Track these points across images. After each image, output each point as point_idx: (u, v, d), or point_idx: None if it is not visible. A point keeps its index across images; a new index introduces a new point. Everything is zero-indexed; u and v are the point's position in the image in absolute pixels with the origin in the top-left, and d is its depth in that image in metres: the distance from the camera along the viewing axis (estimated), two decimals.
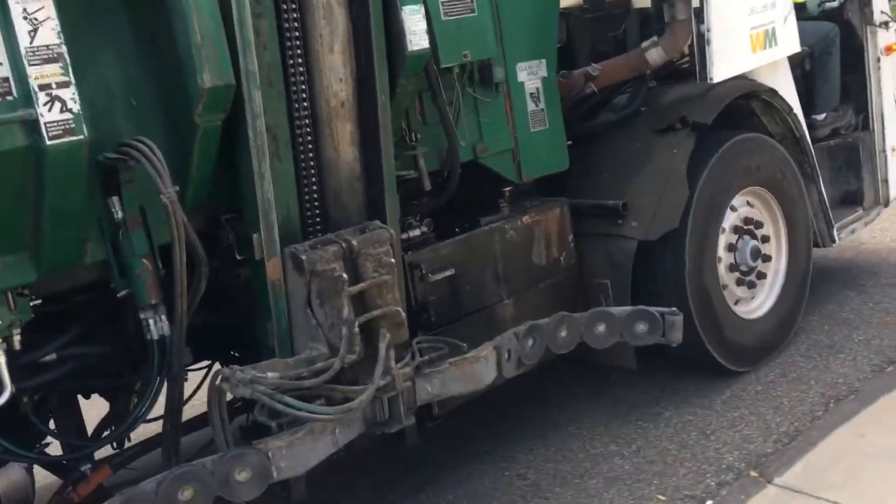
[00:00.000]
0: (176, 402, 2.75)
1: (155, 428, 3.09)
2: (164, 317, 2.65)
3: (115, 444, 3.07)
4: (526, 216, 3.72)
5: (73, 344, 2.68)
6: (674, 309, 3.45)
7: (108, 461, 3.02)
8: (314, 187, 2.98)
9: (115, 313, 2.79)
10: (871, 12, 4.88)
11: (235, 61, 2.61)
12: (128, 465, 3.07)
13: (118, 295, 2.64)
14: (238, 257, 2.86)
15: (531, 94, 3.73)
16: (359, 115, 3.03)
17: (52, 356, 2.62)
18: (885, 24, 4.94)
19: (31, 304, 2.50)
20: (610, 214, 3.85)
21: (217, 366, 3.52)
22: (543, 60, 3.76)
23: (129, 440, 3.10)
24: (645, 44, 4.09)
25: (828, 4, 5.06)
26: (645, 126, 4.04)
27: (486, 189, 3.77)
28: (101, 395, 3.20)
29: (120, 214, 2.57)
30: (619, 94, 4.31)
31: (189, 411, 3.09)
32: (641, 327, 3.44)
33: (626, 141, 4.04)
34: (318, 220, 3.01)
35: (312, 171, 2.97)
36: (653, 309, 3.44)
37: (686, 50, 4.15)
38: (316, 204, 3.00)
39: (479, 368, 3.13)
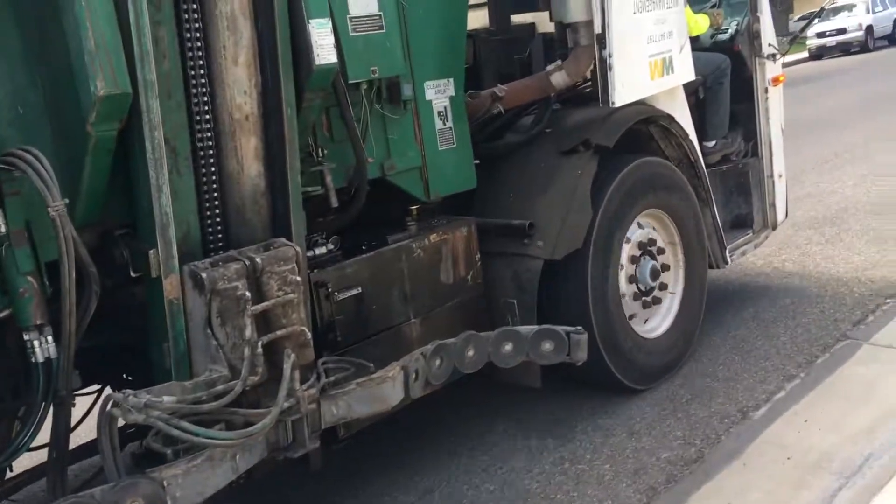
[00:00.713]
0: (63, 429, 2.59)
1: (39, 456, 2.90)
2: (49, 338, 2.50)
3: None
4: (433, 235, 3.71)
5: None
6: (579, 328, 3.50)
7: None
8: (216, 202, 2.89)
9: None
10: (760, 45, 5.14)
11: (133, 70, 2.51)
12: (10, 496, 2.86)
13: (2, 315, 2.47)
14: (133, 275, 2.73)
15: (439, 112, 3.74)
16: (264, 129, 2.96)
17: None
18: (773, 57, 5.22)
19: None
20: (516, 234, 3.89)
21: (108, 390, 3.35)
22: (451, 79, 3.78)
23: (11, 470, 2.89)
24: (550, 67, 4.17)
25: (720, 36, 5.34)
26: (550, 147, 4.11)
27: (392, 207, 3.75)
28: None
29: (3, 229, 2.41)
30: (523, 116, 4.38)
31: (76, 439, 2.92)
32: (547, 346, 3.47)
33: (532, 161, 4.10)
34: (219, 236, 2.91)
35: (214, 186, 2.87)
36: (558, 328, 3.48)
37: (588, 74, 4.27)
38: (218, 220, 2.90)
39: (385, 389, 3.08)
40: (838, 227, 6.46)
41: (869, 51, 22.52)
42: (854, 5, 23.58)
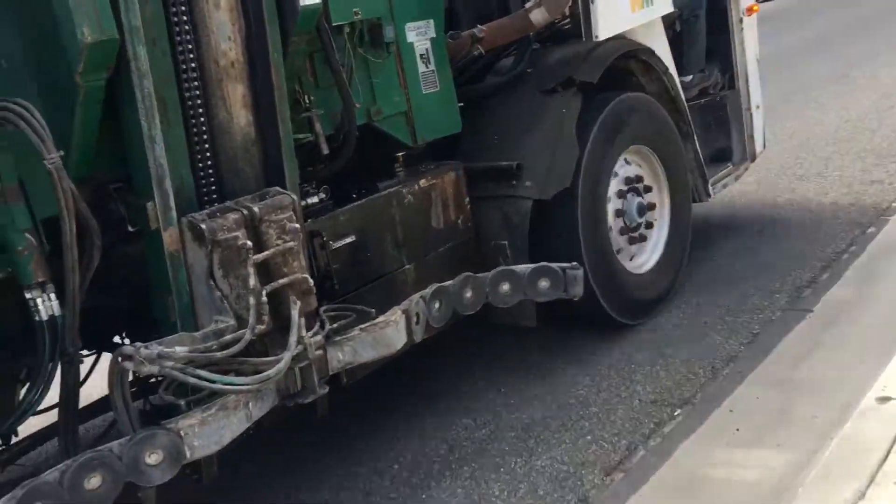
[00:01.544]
0: (72, 387, 2.58)
1: (38, 421, 2.89)
2: (52, 295, 2.48)
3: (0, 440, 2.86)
4: (422, 180, 3.72)
5: None
6: (574, 264, 3.56)
7: None
8: (207, 153, 2.86)
9: None
10: None
11: (118, 17, 2.46)
12: (16, 461, 2.86)
13: None
14: (130, 229, 2.71)
15: (421, 55, 3.72)
16: (250, 77, 2.93)
17: None
18: None
19: None
20: (504, 176, 3.91)
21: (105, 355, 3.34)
22: (431, 21, 3.76)
23: (16, 434, 2.88)
24: (528, 4, 4.16)
25: None
26: (532, 87, 4.11)
27: (377, 154, 3.74)
28: None
29: None
30: (503, 57, 4.38)
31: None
32: (544, 284, 3.53)
33: (515, 102, 4.11)
34: (213, 187, 2.89)
35: (205, 136, 2.85)
36: (554, 265, 3.53)
37: (567, 11, 4.27)
38: (210, 171, 2.88)
39: (389, 333, 3.11)
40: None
41: None
42: None
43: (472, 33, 4.10)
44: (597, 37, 3.91)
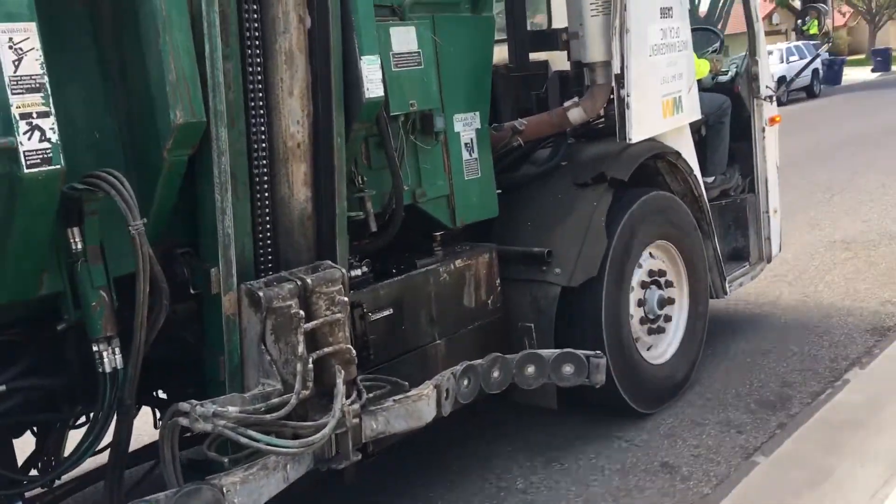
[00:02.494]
0: (125, 435, 2.74)
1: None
2: (117, 349, 2.66)
3: (44, 483, 3.00)
4: (458, 260, 3.92)
5: (19, 377, 2.64)
6: (598, 352, 3.73)
7: (39, 499, 2.94)
8: (268, 225, 3.07)
9: (57, 346, 2.76)
10: (758, 87, 5.47)
11: (205, 101, 2.70)
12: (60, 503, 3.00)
13: (61, 327, 2.64)
14: (192, 291, 2.91)
15: (466, 143, 3.97)
16: (313, 157, 3.16)
17: (2, 388, 2.57)
18: (770, 98, 5.55)
19: None
20: (535, 261, 4.12)
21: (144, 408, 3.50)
22: (477, 113, 4.02)
23: (59, 479, 3.03)
24: (567, 103, 4.43)
25: (721, 78, 5.64)
26: (566, 180, 4.35)
27: (417, 233, 3.95)
28: (31, 431, 3.11)
29: (80, 246, 2.58)
30: (539, 149, 4.63)
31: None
32: (568, 369, 3.70)
33: (549, 193, 4.34)
34: (269, 257, 3.09)
35: (267, 210, 3.06)
36: (579, 352, 3.70)
37: (602, 111, 4.54)
38: (269, 242, 3.09)
39: (421, 406, 3.27)
40: None
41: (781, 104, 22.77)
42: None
43: (514, 126, 4.36)
44: (630, 139, 4.16)
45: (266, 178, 3.05)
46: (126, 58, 2.66)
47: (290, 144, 3.10)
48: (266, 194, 3.06)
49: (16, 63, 2.23)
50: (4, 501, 2.83)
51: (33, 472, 3.04)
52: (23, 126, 2.24)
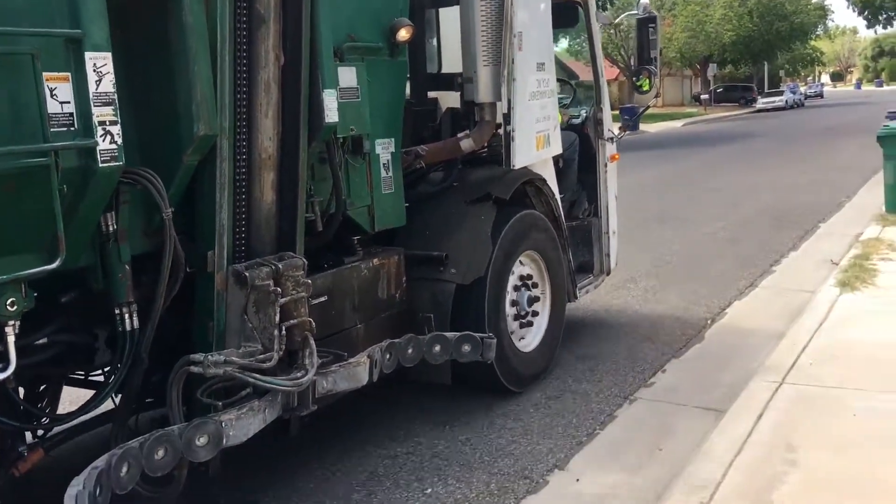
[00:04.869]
0: (136, 383, 3.44)
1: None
2: (135, 313, 3.38)
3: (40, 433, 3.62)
4: (375, 259, 4.85)
5: (57, 332, 3.29)
6: (490, 334, 4.78)
7: (39, 444, 3.55)
8: (243, 220, 3.88)
9: (82, 311, 3.43)
10: (602, 130, 6.81)
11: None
12: (58, 446, 3.61)
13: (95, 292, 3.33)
14: (188, 270, 3.66)
15: (384, 163, 4.91)
16: (279, 167, 4.00)
17: (43, 340, 3.22)
18: (611, 140, 6.91)
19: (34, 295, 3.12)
20: (434, 263, 5.11)
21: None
22: (393, 139, 4.98)
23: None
24: (460, 135, 5.50)
25: (573, 120, 6.95)
26: (458, 197, 5.40)
27: (338, 237, 4.84)
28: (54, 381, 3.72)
29: (112, 228, 3.29)
30: (432, 172, 5.65)
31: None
32: (467, 348, 4.72)
33: (444, 207, 5.36)
34: (243, 247, 3.89)
35: (243, 207, 3.87)
36: (475, 334, 4.74)
37: (485, 143, 5.64)
38: (243, 234, 3.88)
39: (359, 371, 4.17)
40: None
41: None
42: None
43: (417, 151, 5.36)
44: (514, 165, 5.28)
45: (244, 182, 3.86)
46: (151, 83, 3.40)
47: (264, 156, 3.92)
48: (243, 195, 3.87)
49: (97, 83, 2.96)
50: (10, 443, 3.43)
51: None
52: (100, 131, 2.97)
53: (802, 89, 64.03)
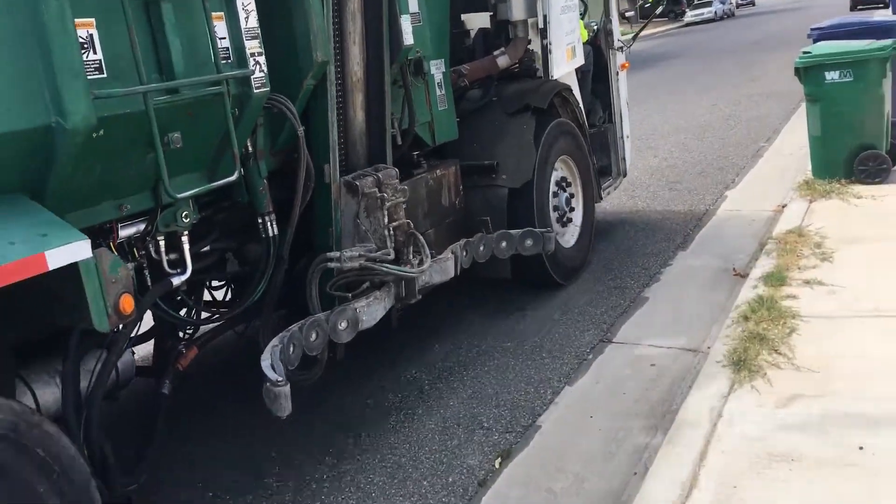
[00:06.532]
0: (279, 281, 4.04)
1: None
2: (275, 220, 3.97)
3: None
4: (438, 170, 5.46)
5: (215, 241, 3.88)
6: (549, 229, 5.45)
7: (195, 342, 4.16)
8: (342, 137, 4.45)
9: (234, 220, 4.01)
10: (612, 41, 7.41)
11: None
12: (207, 344, 4.22)
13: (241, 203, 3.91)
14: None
15: (438, 83, 5.48)
16: (366, 89, 4.56)
17: (207, 248, 3.81)
18: (621, 49, 7.51)
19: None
20: (486, 171, 5.74)
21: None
22: (443, 60, 5.54)
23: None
24: (496, 52, 6.07)
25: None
26: (499, 110, 5.99)
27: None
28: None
29: (251, 148, 3.86)
30: (471, 89, 6.23)
31: None
32: (529, 242, 5.39)
33: (489, 120, 5.96)
34: (343, 162, 4.47)
35: (341, 126, 4.44)
36: (536, 230, 5.41)
37: (518, 59, 6.21)
38: (342, 150, 4.46)
39: (448, 265, 4.82)
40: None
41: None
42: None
43: (460, 70, 5.92)
44: (552, 76, 5.88)
45: (340, 103, 4.42)
46: (274, 17, 3.90)
47: (353, 80, 4.48)
48: (340, 116, 4.43)
49: (246, 19, 3.49)
50: (170, 343, 4.04)
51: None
52: (251, 62, 3.51)
53: None
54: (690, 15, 48.83)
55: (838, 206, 6.57)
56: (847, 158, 7.05)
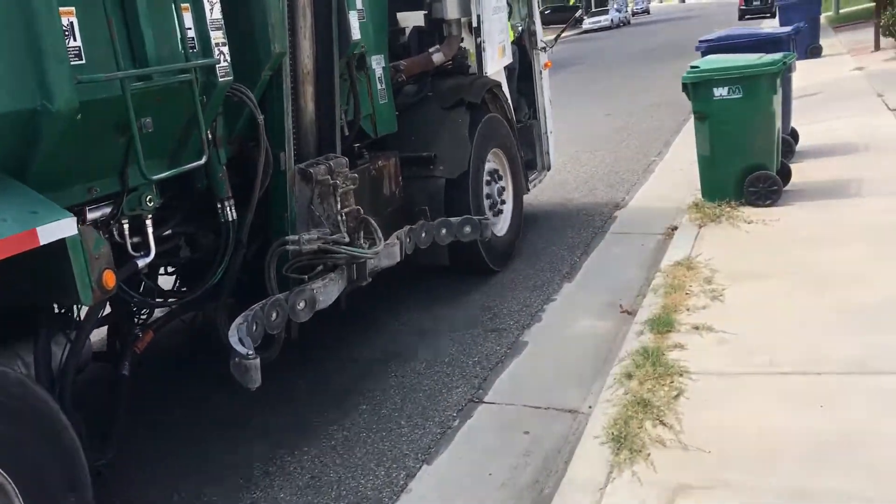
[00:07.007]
0: (238, 264, 4.21)
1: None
2: (233, 205, 4.14)
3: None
4: (379, 161, 5.70)
5: (176, 225, 4.03)
6: (486, 216, 5.77)
7: (150, 326, 4.29)
8: (294, 127, 4.65)
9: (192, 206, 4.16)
10: (536, 41, 7.80)
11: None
12: (162, 328, 4.34)
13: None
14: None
15: (379, 77, 5.72)
16: (315, 82, 4.77)
17: (168, 232, 3.95)
18: (544, 49, 7.90)
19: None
20: (424, 162, 6.01)
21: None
22: (382, 55, 5.78)
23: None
24: (431, 50, 6.35)
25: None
26: (436, 105, 6.28)
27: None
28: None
29: (211, 135, 4.02)
30: (406, 84, 6.49)
31: None
32: (468, 229, 5.69)
33: (424, 114, 6.24)
34: (294, 151, 4.67)
35: (294, 116, 4.64)
36: (474, 217, 5.71)
37: (452, 56, 6.51)
38: (293, 139, 4.66)
39: (395, 250, 5.08)
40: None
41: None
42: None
43: (398, 65, 6.17)
44: (486, 73, 6.19)
45: (292, 94, 4.62)
46: (235, 10, 4.06)
47: (304, 72, 4.69)
48: (291, 106, 4.63)
49: (210, 10, 3.66)
50: (127, 326, 4.17)
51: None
52: (216, 51, 3.69)
53: (630, 6, 61.08)
54: (588, 22, 50.46)
55: (728, 234, 6.20)
56: (737, 180, 6.71)
